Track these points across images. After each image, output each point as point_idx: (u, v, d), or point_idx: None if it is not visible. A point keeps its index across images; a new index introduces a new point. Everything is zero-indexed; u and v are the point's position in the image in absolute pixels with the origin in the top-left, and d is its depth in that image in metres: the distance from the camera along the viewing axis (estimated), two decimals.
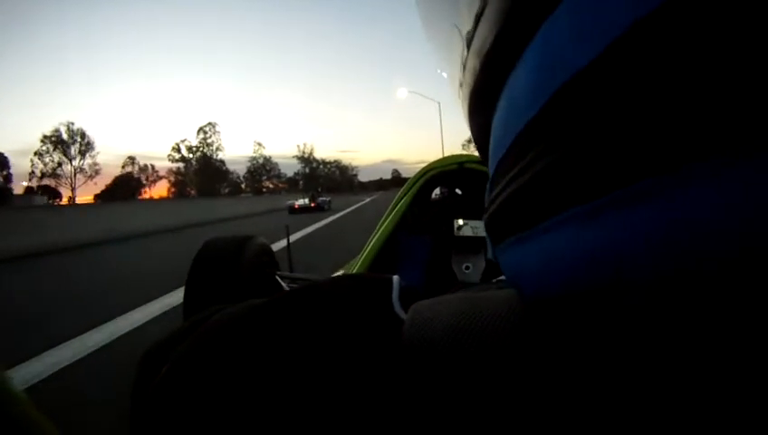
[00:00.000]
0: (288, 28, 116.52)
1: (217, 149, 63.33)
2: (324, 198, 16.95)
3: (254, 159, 74.72)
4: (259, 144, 74.91)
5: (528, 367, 0.11)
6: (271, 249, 1.03)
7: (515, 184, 0.10)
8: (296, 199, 16.48)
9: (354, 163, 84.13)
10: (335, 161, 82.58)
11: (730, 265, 0.06)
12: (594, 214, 0.08)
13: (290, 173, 76.95)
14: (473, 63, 0.12)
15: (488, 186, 0.14)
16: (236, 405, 0.13)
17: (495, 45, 0.11)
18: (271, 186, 74.84)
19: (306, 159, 77.79)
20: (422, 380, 0.12)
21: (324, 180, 78.41)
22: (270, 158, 75.21)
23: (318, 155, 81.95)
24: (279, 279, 0.99)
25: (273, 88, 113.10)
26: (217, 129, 63.15)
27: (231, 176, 70.45)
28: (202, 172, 62.28)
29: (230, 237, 0.95)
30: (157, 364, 0.16)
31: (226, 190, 65.49)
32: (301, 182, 73.11)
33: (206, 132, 62.92)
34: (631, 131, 0.07)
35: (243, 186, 71.79)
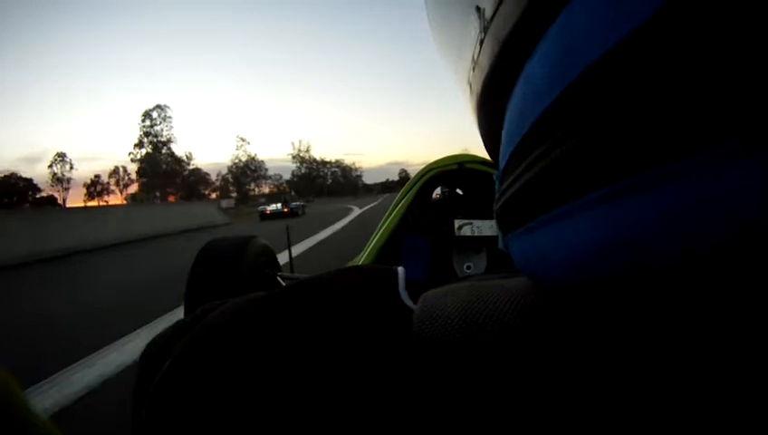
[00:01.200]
0: (292, 27, 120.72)
1: (169, 140, 61.18)
2: (298, 204, 19.76)
3: (236, 158, 75.17)
4: (242, 139, 75.13)
5: (541, 354, 0.12)
6: (272, 250, 1.18)
7: (531, 172, 0.12)
8: (267, 205, 19.21)
9: (359, 165, 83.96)
10: (337, 162, 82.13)
11: (747, 249, 0.07)
12: (611, 199, 0.09)
13: (287, 176, 77.80)
14: (488, 51, 0.14)
15: (498, 175, 0.15)
16: (241, 396, 0.14)
17: (514, 32, 0.12)
18: (267, 190, 75.35)
19: (302, 159, 78.17)
20: (435, 369, 0.13)
21: (323, 182, 78.85)
22: (256, 156, 75.40)
23: (318, 155, 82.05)
24: (280, 280, 1.13)
25: (271, 89, 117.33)
26: (168, 113, 60.81)
27: (212, 179, 71.32)
28: (151, 171, 60.47)
29: (231, 238, 1.11)
30: (159, 359, 0.18)
31: (207, 194, 66.07)
32: (285, 186, 73.67)
33: (152, 118, 60.33)
34: (650, 118, 0.08)
35: (214, 193, 72.45)
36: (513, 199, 0.13)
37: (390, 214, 1.15)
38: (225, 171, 75.51)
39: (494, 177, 0.16)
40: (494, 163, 0.18)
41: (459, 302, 0.15)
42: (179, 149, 65.72)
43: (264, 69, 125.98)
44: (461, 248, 1.10)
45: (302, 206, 19.53)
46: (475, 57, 0.15)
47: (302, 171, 78.63)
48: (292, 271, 1.37)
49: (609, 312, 0.11)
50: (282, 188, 76.34)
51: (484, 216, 1.07)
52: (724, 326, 0.08)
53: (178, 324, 0.20)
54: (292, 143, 78.51)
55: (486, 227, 1.06)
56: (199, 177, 72.84)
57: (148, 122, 61.73)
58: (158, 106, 61.70)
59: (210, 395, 0.15)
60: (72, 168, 60.34)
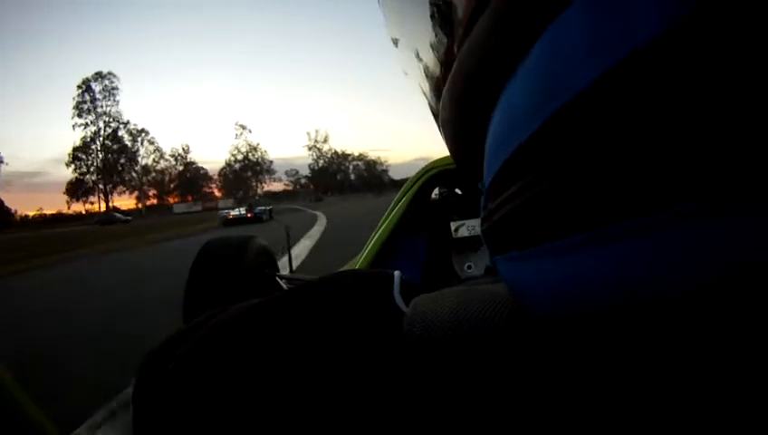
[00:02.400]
0: (318, 24, 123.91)
1: (120, 122, 61.00)
2: (263, 208, 22.08)
3: (235, 148, 75.74)
4: (242, 127, 75.90)
5: (526, 357, 0.14)
6: (271, 250, 1.39)
7: (514, 202, 0.13)
8: (231, 210, 21.86)
9: (384, 160, 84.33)
10: (360, 155, 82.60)
11: (722, 292, 0.09)
12: (598, 241, 0.10)
13: (304, 172, 78.41)
14: (462, 74, 0.16)
15: (484, 195, 0.17)
16: (243, 398, 0.17)
17: (491, 55, 0.14)
18: (279, 187, 75.93)
19: (319, 150, 78.68)
20: (423, 370, 0.15)
21: (345, 177, 79.08)
22: (258, 145, 76.00)
23: (339, 148, 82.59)
24: (279, 280, 1.33)
25: (288, 83, 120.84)
26: (115, 82, 60.13)
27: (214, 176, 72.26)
28: (103, 165, 59.94)
29: (229, 238, 1.31)
30: (159, 365, 0.20)
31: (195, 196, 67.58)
32: (301, 183, 74.13)
33: (89, 90, 59.55)
34: (629, 160, 0.09)
35: (220, 192, 73.21)
36: (498, 226, 0.15)
37: (389, 214, 1.31)
38: (236, 167, 76.29)
39: (480, 185, 0.18)
40: (459, 167, 0.20)
41: (449, 306, 0.17)
42: (166, 142, 67.70)
43: (283, 61, 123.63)
44: (460, 249, 1.26)
45: (269, 210, 22.25)
46: (440, 81, 0.17)
47: (320, 165, 79.00)
48: (291, 271, 1.57)
49: (593, 339, 0.13)
50: (299, 184, 76.96)
51: (479, 213, 1.23)
52: (705, 354, 0.10)
53: (178, 331, 0.23)
54: (308, 133, 78.59)
55: None
56: (196, 173, 74.27)
57: (87, 97, 61.00)
58: (98, 73, 60.49)
59: (213, 397, 0.17)
60: None
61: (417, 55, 0.21)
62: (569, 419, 0.13)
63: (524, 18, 0.12)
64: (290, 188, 78.08)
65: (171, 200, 72.12)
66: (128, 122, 64.89)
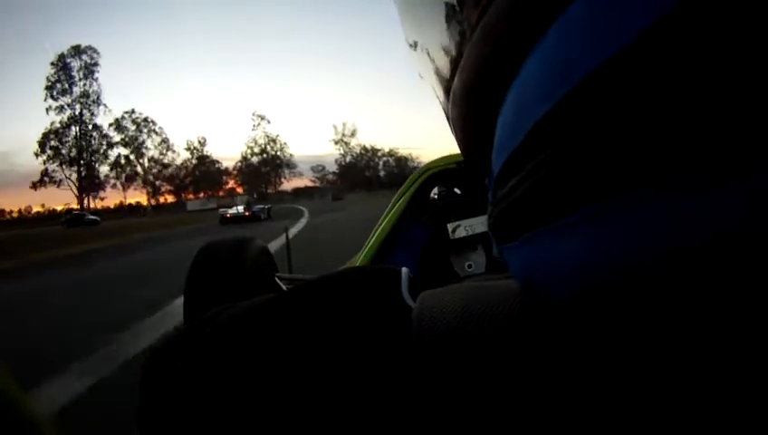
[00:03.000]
0: (348, 15, 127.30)
1: (91, 100, 61.22)
2: (261, 206, 24.86)
3: (252, 140, 76.03)
4: (260, 117, 76.27)
5: (536, 352, 0.15)
6: (269, 251, 1.50)
7: (526, 183, 0.14)
8: (229, 208, 24.65)
9: (416, 156, 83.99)
10: (390, 151, 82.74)
11: (737, 262, 0.10)
12: (608, 213, 0.12)
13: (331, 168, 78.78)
14: (474, 56, 0.17)
15: (492, 185, 0.18)
16: (252, 396, 0.18)
17: (505, 38, 0.15)
18: (301, 184, 76.51)
19: (346, 144, 79.15)
20: (432, 367, 0.17)
21: (374, 173, 79.12)
22: (278, 137, 76.05)
23: (368, 143, 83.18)
24: (278, 281, 1.45)
25: (324, 79, 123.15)
26: (96, 58, 60.57)
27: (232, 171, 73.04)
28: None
29: (228, 240, 1.43)
30: (166, 363, 0.22)
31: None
32: (328, 179, 74.12)
33: (68, 68, 59.85)
34: (646, 133, 0.10)
35: (240, 188, 73.89)
36: (508, 211, 0.16)
37: (388, 213, 1.40)
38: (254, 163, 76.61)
39: (486, 181, 0.20)
40: (469, 166, 0.22)
41: (457, 300, 0.19)
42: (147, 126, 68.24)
43: (309, 54, 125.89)
44: (459, 249, 1.33)
45: (267, 209, 24.91)
46: (450, 64, 0.19)
47: (348, 160, 79.64)
48: (290, 272, 1.68)
49: (604, 322, 0.14)
50: (325, 180, 77.29)
51: (478, 213, 1.29)
52: (718, 332, 0.11)
53: (184, 329, 0.24)
54: (334, 126, 78.81)
55: (479, 224, 1.28)
56: (211, 168, 75.60)
57: (62, 75, 60.25)
58: (75, 47, 59.45)
59: (222, 395, 0.19)
60: None
61: (429, 53, 0.22)
62: (578, 413, 0.14)
63: (536, 7, 0.14)
64: (316, 184, 78.24)
65: (186, 197, 73.70)
66: (132, 111, 67.33)
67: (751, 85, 0.09)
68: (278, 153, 76.54)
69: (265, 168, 76.25)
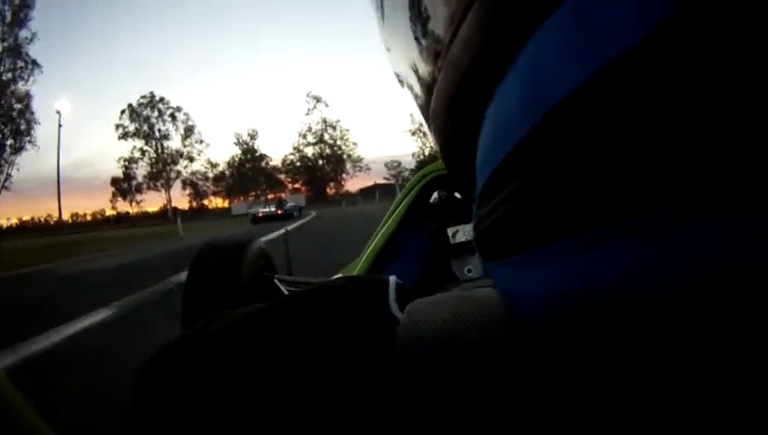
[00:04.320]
0: None
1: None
2: (293, 204, 29.99)
3: (307, 126, 74.27)
4: (316, 99, 74.72)
5: (519, 364, 0.18)
6: (268, 253, 1.78)
7: (503, 209, 0.17)
8: (261, 208, 29.17)
9: None
10: None
11: (705, 297, 0.12)
12: (597, 243, 0.13)
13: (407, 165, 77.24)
14: (451, 75, 0.19)
15: (476, 200, 0.21)
16: (244, 408, 0.22)
17: (481, 56, 0.17)
18: (369, 183, 74.58)
19: (425, 134, 76.43)
20: (415, 378, 0.20)
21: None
22: (338, 122, 74.14)
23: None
24: (278, 283, 1.72)
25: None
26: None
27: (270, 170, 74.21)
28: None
29: (227, 242, 1.70)
30: (160, 371, 0.26)
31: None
32: (404, 177, 72.44)
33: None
34: (628, 159, 0.12)
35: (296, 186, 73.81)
36: (490, 232, 0.19)
37: (388, 219, 1.61)
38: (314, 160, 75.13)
39: (474, 194, 0.22)
40: (450, 172, 0.27)
41: (443, 312, 0.22)
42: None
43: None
44: (458, 253, 1.49)
45: (299, 208, 30.16)
46: (429, 79, 0.22)
47: (427, 154, 77.19)
48: (290, 274, 1.96)
49: (588, 338, 0.16)
50: (401, 178, 76.15)
51: None
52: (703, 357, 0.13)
53: (178, 338, 0.29)
54: (411, 114, 76.85)
55: None
56: (258, 163, 76.57)
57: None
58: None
59: (213, 404, 0.22)
60: None
61: (408, 62, 0.25)
62: (564, 425, 0.17)
63: (512, 24, 0.15)
64: (391, 182, 76.93)
65: (234, 200, 74.94)
66: (162, 99, 69.29)
67: (713, 111, 0.10)
68: (338, 142, 74.97)
69: (322, 160, 75.26)
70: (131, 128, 68.79)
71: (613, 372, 0.16)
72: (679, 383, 0.14)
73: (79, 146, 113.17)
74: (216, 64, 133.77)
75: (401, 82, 0.29)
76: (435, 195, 1.64)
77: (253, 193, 76.53)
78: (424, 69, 0.22)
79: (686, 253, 0.11)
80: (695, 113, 0.10)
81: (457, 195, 1.61)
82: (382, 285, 0.27)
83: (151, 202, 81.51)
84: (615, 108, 0.11)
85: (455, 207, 1.56)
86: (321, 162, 75.57)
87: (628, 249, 0.12)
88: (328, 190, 77.60)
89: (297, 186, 77.91)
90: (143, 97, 68.91)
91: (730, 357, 0.13)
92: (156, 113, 69.28)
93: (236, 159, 77.10)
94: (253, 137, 76.60)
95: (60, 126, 50.19)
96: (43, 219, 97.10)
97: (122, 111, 69.11)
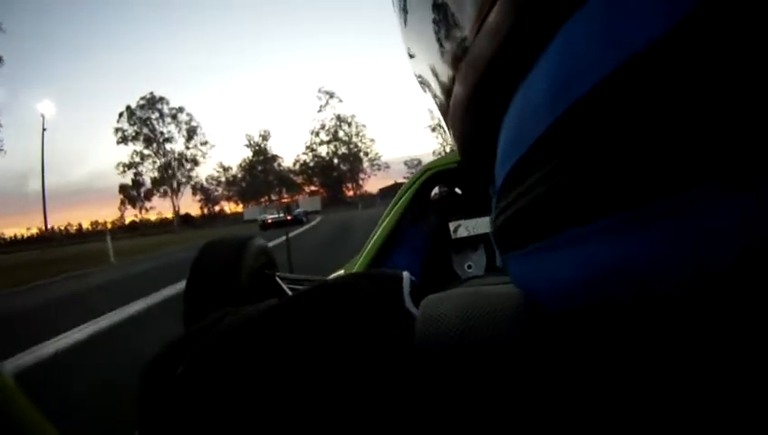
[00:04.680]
0: None
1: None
2: (300, 210, 32.11)
3: (320, 123, 72.84)
4: (328, 94, 73.49)
5: (538, 357, 0.19)
6: (270, 250, 1.86)
7: (531, 195, 0.17)
8: (269, 215, 31.16)
9: None
10: None
11: (754, 276, 0.12)
12: (620, 228, 0.14)
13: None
14: (473, 70, 0.20)
15: (495, 191, 0.22)
16: (253, 403, 0.22)
17: (506, 49, 0.18)
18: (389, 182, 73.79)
19: (446, 131, 75.10)
20: (434, 374, 0.20)
21: None
22: (353, 118, 72.98)
23: None
24: (279, 280, 1.80)
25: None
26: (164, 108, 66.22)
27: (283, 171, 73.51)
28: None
29: (229, 239, 1.78)
30: (167, 368, 0.27)
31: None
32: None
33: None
34: (657, 143, 0.12)
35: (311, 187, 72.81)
36: (512, 221, 0.20)
37: (389, 214, 1.68)
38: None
39: (490, 190, 0.24)
40: (470, 174, 0.46)
41: (459, 307, 0.23)
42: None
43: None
44: (459, 249, 1.58)
45: (306, 213, 31.82)
46: (451, 72, 0.23)
47: (448, 150, 74.94)
48: (291, 271, 2.04)
49: (606, 333, 0.17)
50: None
51: (480, 214, 1.55)
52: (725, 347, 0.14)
53: (184, 335, 0.30)
54: (430, 111, 75.71)
55: (481, 225, 1.55)
56: (269, 165, 76.51)
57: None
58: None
59: (223, 403, 0.23)
60: None
61: (429, 66, 0.26)
62: (582, 419, 0.17)
63: (540, 14, 0.16)
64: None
65: (248, 204, 74.74)
66: (162, 98, 69.26)
67: (752, 91, 0.11)
68: (353, 139, 74.06)
69: (337, 159, 74.41)
70: (131, 131, 69.40)
71: (639, 364, 0.16)
72: (718, 372, 0.15)
73: (100, 155, 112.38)
74: (224, 64, 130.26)
75: (422, 83, 0.30)
76: (435, 190, 1.73)
77: (266, 197, 76.77)
78: (446, 66, 0.23)
79: (723, 231, 0.12)
80: (733, 90, 0.11)
81: (458, 190, 1.69)
82: (396, 281, 0.28)
83: (166, 208, 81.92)
84: (654, 88, 0.12)
85: (456, 202, 1.64)
86: (336, 161, 75.00)
87: (663, 228, 0.13)
88: (345, 191, 77.04)
89: (314, 188, 77.47)
90: (142, 98, 70.41)
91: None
92: (156, 114, 69.82)
93: (247, 162, 77.42)
94: (265, 138, 76.78)
95: (44, 130, 50.86)
96: (63, 228, 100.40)
97: (120, 114, 70.04)
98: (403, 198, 1.70)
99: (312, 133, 75.21)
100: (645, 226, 0.13)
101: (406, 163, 77.98)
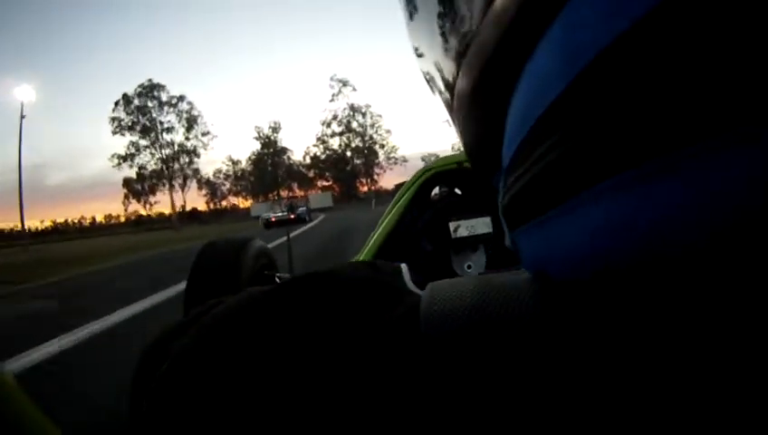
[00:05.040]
0: None
1: None
2: (303, 208, 34.63)
3: (333, 113, 70.97)
4: (342, 82, 71.50)
5: (547, 343, 0.19)
6: (270, 251, 1.96)
7: (542, 163, 0.18)
8: (273, 213, 33.15)
9: None
10: None
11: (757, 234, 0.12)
12: (632, 185, 0.15)
13: None
14: (479, 54, 0.21)
15: (502, 173, 0.24)
16: (246, 391, 0.22)
17: (513, 30, 0.19)
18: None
19: None
20: (442, 354, 0.20)
21: None
22: (367, 108, 70.77)
23: None
24: (279, 281, 1.88)
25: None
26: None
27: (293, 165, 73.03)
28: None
29: (229, 240, 1.88)
30: (158, 359, 0.27)
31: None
32: None
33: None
34: (666, 101, 0.13)
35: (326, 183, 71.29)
36: (522, 193, 0.21)
37: (388, 214, 1.77)
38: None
39: (494, 181, 0.27)
40: (476, 165, 0.29)
41: (466, 290, 0.23)
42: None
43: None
44: (459, 249, 1.67)
45: (309, 211, 34.57)
46: (456, 58, 0.24)
47: None
48: (291, 272, 2.13)
49: (621, 306, 0.18)
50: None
51: (479, 214, 1.64)
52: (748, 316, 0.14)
53: (176, 325, 0.31)
54: None
55: (481, 225, 1.64)
56: (278, 158, 76.06)
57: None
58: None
59: (213, 391, 0.23)
60: None
61: (433, 57, 0.27)
62: (594, 410, 0.17)
63: None
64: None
65: (242, 201, 75.22)
66: (160, 85, 68.39)
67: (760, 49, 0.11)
68: (368, 130, 72.32)
69: (350, 152, 72.96)
70: (127, 120, 68.86)
71: (661, 337, 0.17)
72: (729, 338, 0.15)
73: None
74: (233, 53, 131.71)
75: (429, 80, 0.31)
76: (435, 190, 1.82)
77: (275, 192, 76.95)
78: (451, 59, 0.24)
79: (729, 185, 0.12)
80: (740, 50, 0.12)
81: (458, 191, 1.77)
82: (395, 269, 0.29)
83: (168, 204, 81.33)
84: (658, 48, 0.13)
85: (456, 202, 1.72)
86: (348, 154, 73.80)
87: (668, 186, 0.14)
88: (360, 187, 76.33)
89: (326, 183, 76.77)
90: (140, 86, 69.99)
91: None
92: (153, 103, 69.91)
93: (256, 154, 77.09)
94: (275, 130, 76.34)
95: (22, 117, 50.68)
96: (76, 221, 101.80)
97: (116, 103, 70.15)
98: (402, 199, 1.79)
99: (323, 124, 73.99)
100: (649, 184, 0.14)
101: (423, 159, 76.12)
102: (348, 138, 73.00)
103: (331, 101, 72.89)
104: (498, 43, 0.19)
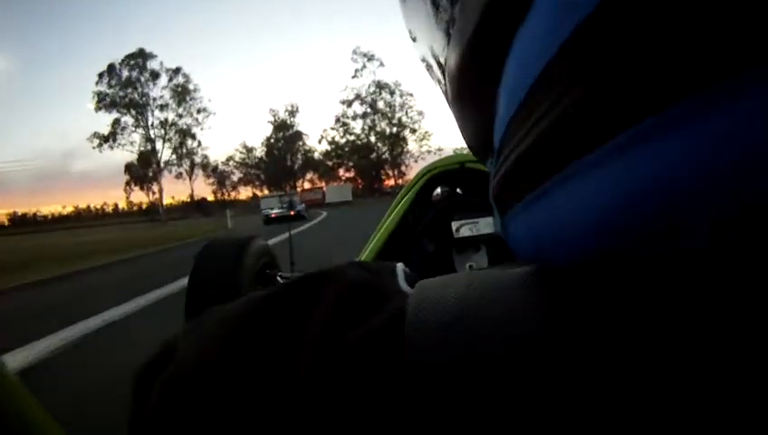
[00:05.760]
0: None
1: None
2: (303, 205, 38.66)
3: (355, 91, 68.18)
4: (366, 56, 68.13)
5: (536, 345, 0.19)
6: (271, 250, 2.14)
7: (534, 132, 0.19)
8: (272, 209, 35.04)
9: None
10: None
11: None
12: (629, 147, 0.15)
13: None
14: (465, 26, 0.22)
15: (494, 158, 0.24)
16: (244, 397, 0.24)
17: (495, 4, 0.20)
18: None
19: None
20: (427, 353, 0.21)
21: None
22: (396, 85, 67.25)
23: None
24: (280, 280, 2.05)
25: None
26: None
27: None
28: None
29: (230, 239, 2.04)
30: (160, 366, 0.29)
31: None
32: None
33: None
34: (666, 50, 0.13)
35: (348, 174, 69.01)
36: (511, 172, 0.22)
37: (390, 214, 1.91)
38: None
39: (488, 165, 0.28)
40: (476, 156, 0.31)
41: (456, 288, 0.24)
42: None
43: None
44: (461, 249, 1.80)
45: (307, 208, 39.55)
46: (446, 38, 0.25)
47: None
48: (292, 271, 2.31)
49: (617, 298, 0.18)
50: None
51: (482, 214, 1.75)
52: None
53: (177, 333, 0.33)
54: None
55: (484, 225, 1.75)
56: (293, 144, 74.46)
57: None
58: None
59: (213, 398, 0.25)
60: None
61: (425, 37, 0.29)
62: (596, 403, 0.17)
63: None
64: None
65: (266, 191, 72.44)
66: (141, 52, 67.24)
67: None
68: (396, 111, 69.34)
69: (375, 136, 69.85)
70: (112, 94, 68.34)
71: (667, 335, 0.16)
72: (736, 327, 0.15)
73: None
74: (245, 35, 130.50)
75: (427, 68, 0.33)
76: (437, 190, 1.99)
77: (292, 183, 75.84)
78: (441, 33, 0.25)
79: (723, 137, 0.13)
80: None
81: (459, 191, 1.93)
82: (389, 269, 0.31)
83: (179, 191, 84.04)
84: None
85: (458, 202, 1.85)
86: (373, 139, 70.54)
87: (661, 148, 0.14)
88: (385, 179, 72.85)
89: (349, 175, 74.65)
90: (128, 56, 69.23)
91: None
92: (136, 73, 69.68)
93: (269, 139, 75.94)
94: (292, 113, 75.11)
95: None
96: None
97: (100, 75, 69.48)
98: (404, 200, 1.93)
99: (343, 103, 71.32)
100: (648, 145, 0.14)
101: (455, 151, 74.01)
102: (372, 120, 70.36)
103: (354, 77, 70.89)
104: (488, 5, 0.20)
